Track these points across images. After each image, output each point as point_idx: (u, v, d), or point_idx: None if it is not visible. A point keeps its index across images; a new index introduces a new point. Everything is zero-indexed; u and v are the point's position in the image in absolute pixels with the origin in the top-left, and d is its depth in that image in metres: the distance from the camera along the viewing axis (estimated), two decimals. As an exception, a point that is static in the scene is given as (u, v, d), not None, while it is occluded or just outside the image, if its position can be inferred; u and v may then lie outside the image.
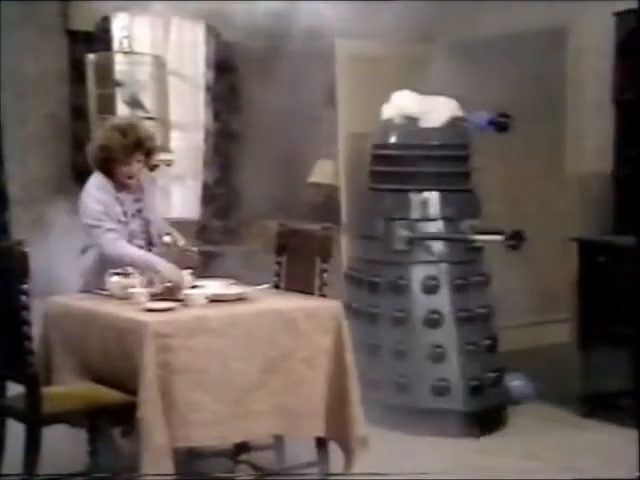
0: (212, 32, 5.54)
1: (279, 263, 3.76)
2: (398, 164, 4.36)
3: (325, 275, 3.53)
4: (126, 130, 3.50)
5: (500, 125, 4.30)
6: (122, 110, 4.86)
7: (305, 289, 3.55)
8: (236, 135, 5.66)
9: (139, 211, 3.63)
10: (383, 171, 4.43)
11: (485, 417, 4.22)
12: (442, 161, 4.32)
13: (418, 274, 4.27)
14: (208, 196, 5.62)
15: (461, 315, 4.25)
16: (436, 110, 4.37)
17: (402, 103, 4.43)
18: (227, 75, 5.62)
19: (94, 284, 3.48)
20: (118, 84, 4.89)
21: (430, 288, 4.27)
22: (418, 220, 4.29)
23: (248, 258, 4.52)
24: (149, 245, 3.63)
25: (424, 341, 4.22)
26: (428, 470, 3.45)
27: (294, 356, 3.22)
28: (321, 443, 3.36)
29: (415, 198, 4.31)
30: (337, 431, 3.27)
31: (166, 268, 3.39)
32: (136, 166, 3.53)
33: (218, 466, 3.44)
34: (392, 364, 4.23)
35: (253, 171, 5.63)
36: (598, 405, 4.42)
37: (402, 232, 4.29)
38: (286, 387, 3.19)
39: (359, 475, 3.23)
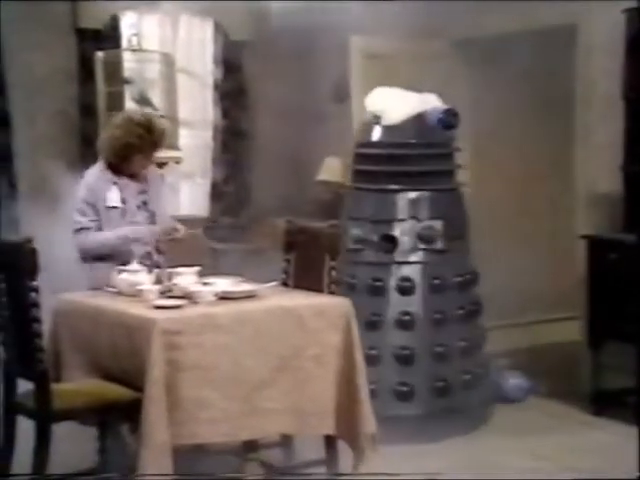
0: (220, 30, 5.54)
1: (287, 261, 3.76)
2: (369, 163, 4.31)
3: (334, 273, 3.53)
4: (151, 126, 3.59)
5: (445, 123, 4.21)
6: (131, 108, 4.87)
7: (314, 287, 3.54)
8: (245, 133, 5.66)
9: (144, 203, 3.67)
10: (357, 170, 4.42)
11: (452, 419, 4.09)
12: (405, 160, 4.23)
13: (391, 275, 4.17)
14: (217, 194, 5.62)
15: (435, 317, 4.16)
16: (395, 107, 4.28)
17: (368, 101, 4.38)
18: (235, 73, 5.62)
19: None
20: (127, 82, 4.90)
21: (404, 289, 4.17)
22: (372, 220, 4.21)
23: (257, 255, 4.51)
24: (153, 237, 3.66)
25: (393, 344, 4.12)
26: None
27: (303, 354, 3.21)
28: (330, 441, 3.35)
29: (373, 197, 4.26)
30: (346, 429, 3.26)
31: (141, 230, 3.50)
32: (152, 158, 3.65)
33: (226, 464, 3.44)
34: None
35: (262, 169, 5.64)
36: (608, 403, 4.40)
37: (354, 231, 4.23)
38: (295, 385, 3.18)
39: (368, 475, 3.22)
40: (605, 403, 4.41)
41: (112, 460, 3.39)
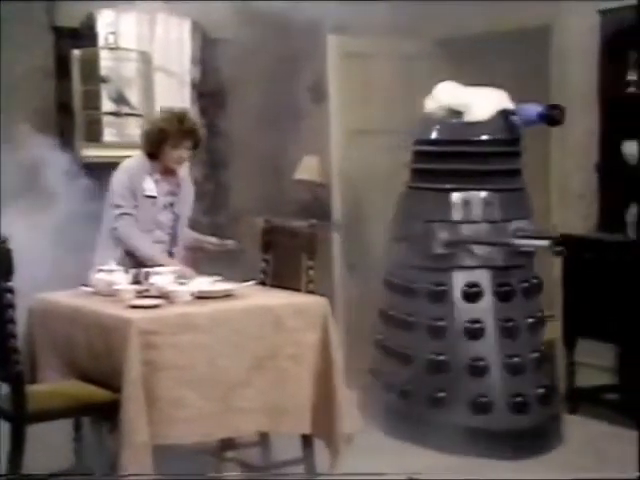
0: (198, 28, 5.52)
1: (265, 260, 3.76)
2: (440, 161, 4.08)
3: (311, 272, 3.54)
4: (183, 117, 3.71)
5: (551, 118, 4.03)
6: (108, 106, 4.85)
7: (292, 286, 3.55)
8: (223, 132, 5.65)
9: (171, 204, 3.74)
10: (423, 169, 4.16)
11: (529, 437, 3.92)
12: (489, 158, 4.03)
13: (458, 280, 4.00)
14: (196, 193, 5.60)
15: (505, 325, 3.98)
16: (481, 102, 4.07)
17: (444, 95, 4.16)
18: (213, 72, 5.60)
19: (102, 258, 3.55)
20: (104, 80, 4.88)
21: (471, 296, 3.99)
22: (459, 222, 3.99)
23: (236, 255, 4.51)
24: (173, 240, 3.74)
25: (463, 353, 3.95)
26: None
27: (280, 353, 3.22)
28: (307, 440, 3.36)
29: (457, 198, 4.01)
30: (323, 428, 3.27)
31: (166, 264, 3.51)
32: (184, 153, 3.70)
33: (204, 464, 3.44)
34: (426, 376, 3.99)
35: (240, 168, 5.63)
36: (584, 401, 4.45)
37: (441, 234, 4.00)
38: (272, 384, 3.19)
39: (347, 475, 3.23)
40: (581, 401, 4.45)
41: (90, 461, 3.37)
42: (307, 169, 5.42)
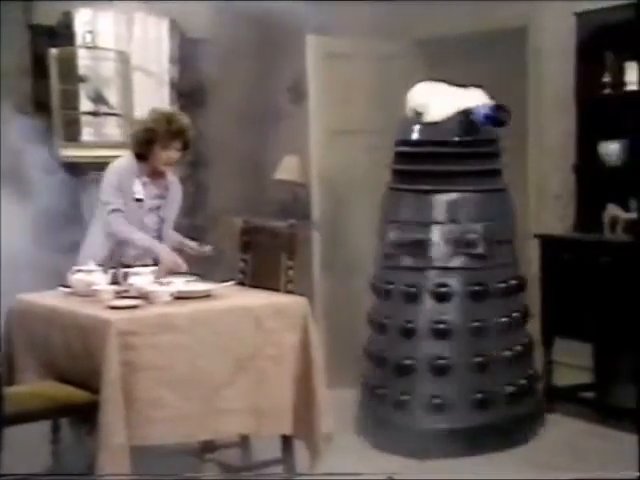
0: (176, 28, 5.50)
1: (244, 260, 3.76)
2: (415, 162, 4.08)
3: (291, 272, 3.54)
4: (171, 117, 3.69)
5: (496, 119, 4.01)
6: (86, 106, 4.82)
7: (271, 286, 3.54)
8: (202, 132, 5.62)
9: (157, 207, 3.72)
10: (397, 170, 4.19)
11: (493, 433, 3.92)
12: (461, 159, 4.01)
13: (429, 281, 3.98)
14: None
15: (474, 326, 3.95)
16: (438, 103, 4.05)
17: (410, 96, 4.15)
18: (192, 71, 5.58)
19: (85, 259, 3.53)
20: (82, 79, 4.85)
21: (441, 296, 3.97)
22: (411, 222, 4.01)
23: (215, 255, 4.50)
24: (159, 242, 3.70)
25: (427, 354, 3.94)
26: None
27: (260, 354, 3.21)
28: (287, 440, 3.36)
29: (412, 198, 4.05)
30: (303, 429, 3.27)
31: (165, 253, 3.54)
32: (173, 154, 3.68)
33: (184, 465, 3.43)
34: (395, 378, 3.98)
35: (220, 168, 5.61)
36: (561, 399, 4.48)
37: (392, 235, 4.04)
38: (253, 385, 3.18)
39: (326, 475, 3.23)
40: (558, 399, 4.48)
41: (68, 462, 3.35)
42: (287, 169, 5.42)
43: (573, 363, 4.56)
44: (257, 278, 3.68)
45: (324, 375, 3.31)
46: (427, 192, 4.05)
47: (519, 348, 4.11)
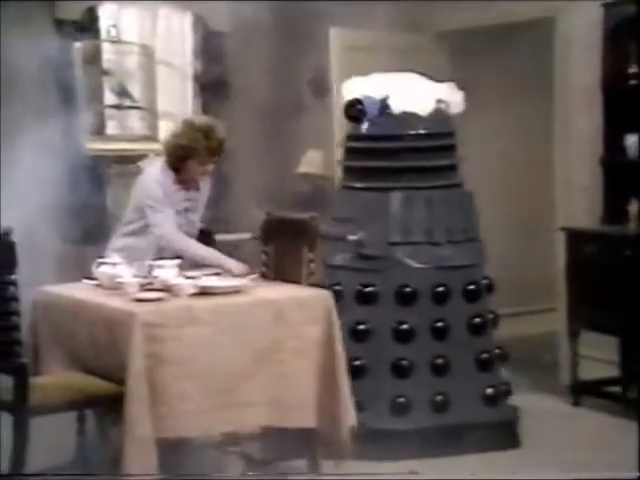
0: (200, 21, 5.51)
1: (265, 253, 3.75)
2: (358, 158, 4.04)
3: (312, 265, 3.52)
4: (209, 133, 3.55)
5: (348, 115, 3.99)
6: (110, 99, 4.84)
7: (293, 279, 3.53)
8: (225, 124, 5.63)
9: (186, 210, 3.66)
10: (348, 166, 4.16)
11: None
12: (397, 154, 3.93)
13: (391, 282, 3.85)
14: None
15: (434, 326, 3.85)
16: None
17: (349, 87, 4.09)
18: (215, 64, 5.59)
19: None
20: (106, 73, 4.87)
21: (404, 297, 3.84)
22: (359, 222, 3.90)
23: (237, 248, 4.51)
24: None
25: (388, 356, 3.82)
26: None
27: (283, 347, 3.21)
28: (310, 434, 3.35)
29: (362, 196, 3.96)
30: (327, 422, 3.26)
31: (234, 266, 3.46)
32: (210, 167, 3.60)
33: (207, 457, 3.44)
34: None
35: (242, 161, 5.61)
36: (587, 394, 4.45)
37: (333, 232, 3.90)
38: (275, 378, 3.18)
39: (346, 475, 3.23)
40: (584, 394, 4.45)
41: (94, 454, 3.37)
42: (310, 162, 5.41)
43: (599, 357, 4.52)
44: (279, 271, 3.67)
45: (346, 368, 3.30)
46: (380, 190, 3.93)
47: (490, 351, 3.96)
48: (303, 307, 3.28)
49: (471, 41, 5.09)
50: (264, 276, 3.65)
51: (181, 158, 3.57)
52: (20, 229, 3.07)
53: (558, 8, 4.76)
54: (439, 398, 3.86)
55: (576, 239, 4.46)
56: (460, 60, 5.08)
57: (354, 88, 4.07)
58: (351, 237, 3.93)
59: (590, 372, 4.49)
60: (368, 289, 3.90)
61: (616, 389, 4.48)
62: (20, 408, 3.01)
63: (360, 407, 3.45)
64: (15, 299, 3.02)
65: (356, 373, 3.70)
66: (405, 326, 3.86)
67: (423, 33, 5.22)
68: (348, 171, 4.18)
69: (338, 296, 3.83)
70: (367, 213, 3.95)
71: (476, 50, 5.07)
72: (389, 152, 3.97)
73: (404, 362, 3.84)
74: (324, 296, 3.35)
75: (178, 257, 3.43)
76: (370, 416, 3.70)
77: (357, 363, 3.80)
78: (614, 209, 4.47)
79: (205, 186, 3.75)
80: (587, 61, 4.62)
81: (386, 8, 5.15)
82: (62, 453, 3.41)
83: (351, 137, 4.14)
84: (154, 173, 3.64)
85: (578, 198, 4.78)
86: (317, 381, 3.26)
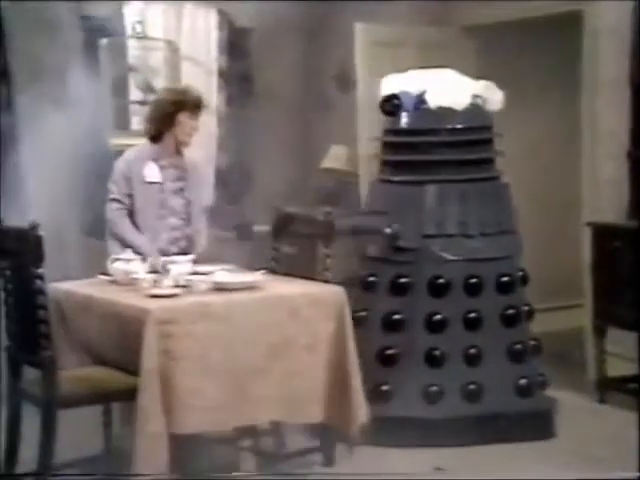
0: (225, 17, 5.52)
1: (276, 249, 3.75)
2: (396, 153, 4.08)
3: (328, 260, 3.52)
4: (187, 90, 3.82)
5: (384, 109, 4.03)
6: (135, 95, 4.87)
7: (308, 274, 3.53)
8: (250, 120, 5.64)
9: (181, 189, 3.74)
10: (385, 160, 4.17)
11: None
12: (435, 147, 3.98)
13: (425, 274, 3.90)
14: (221, 181, 5.62)
15: (467, 317, 3.88)
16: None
17: (385, 85, 4.15)
18: (240, 60, 5.60)
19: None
20: (131, 69, 4.89)
21: (438, 288, 3.88)
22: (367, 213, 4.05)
23: (261, 243, 4.52)
24: (187, 225, 3.76)
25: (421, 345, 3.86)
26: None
27: (296, 343, 3.21)
28: (325, 429, 3.37)
29: (399, 190, 3.98)
30: (338, 417, 3.27)
31: (149, 253, 3.52)
32: (197, 124, 3.74)
33: (220, 452, 3.44)
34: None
35: (267, 156, 5.62)
36: (613, 391, 4.40)
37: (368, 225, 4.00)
38: (287, 373, 3.19)
39: (361, 475, 3.22)
40: (610, 390, 4.40)
41: (121, 446, 3.40)
42: (334, 158, 5.41)
43: (627, 354, 4.47)
44: (294, 266, 3.65)
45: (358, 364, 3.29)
46: (416, 183, 3.97)
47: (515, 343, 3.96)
48: (316, 303, 3.28)
49: (497, 36, 5.05)
50: (273, 272, 3.63)
51: (170, 116, 3.69)
52: (45, 223, 3.11)
53: (586, 1, 4.70)
54: (471, 387, 3.88)
55: (602, 234, 4.41)
56: (486, 55, 5.04)
57: (392, 83, 4.12)
58: (387, 230, 3.95)
59: (618, 369, 4.44)
60: (402, 280, 3.94)
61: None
62: (48, 401, 3.04)
63: (393, 395, 3.55)
64: (42, 292, 3.05)
65: (389, 362, 3.82)
66: (438, 317, 3.89)
67: (449, 28, 5.19)
68: (384, 164, 4.21)
69: (373, 287, 3.96)
70: (402, 206, 3.98)
71: (503, 45, 5.02)
72: (425, 146, 4.02)
73: (437, 352, 3.87)
74: (337, 292, 3.34)
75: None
76: (402, 404, 3.77)
77: (390, 352, 3.86)
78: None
79: (195, 170, 3.82)
80: (615, 55, 4.56)
81: (411, 3, 5.12)
82: (89, 446, 3.44)
83: (388, 131, 4.18)
84: (126, 153, 3.77)
85: (605, 192, 4.73)
86: (328, 377, 3.26)
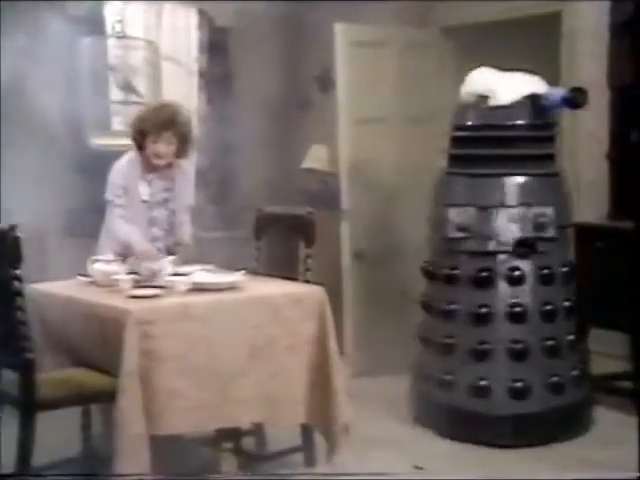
0: (205, 17, 5.51)
1: (258, 249, 3.74)
2: (473, 146, 4.10)
3: (309, 260, 3.51)
4: (158, 109, 3.65)
5: (573, 101, 4.03)
6: (115, 94, 4.84)
7: (289, 275, 3.52)
8: (230, 120, 5.63)
9: (165, 200, 3.68)
10: (455, 154, 4.19)
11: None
12: (520, 142, 4.04)
13: (501, 265, 3.97)
14: (202, 182, 5.59)
15: (545, 309, 3.99)
16: (506, 87, 4.08)
17: (473, 81, 4.19)
18: (221, 60, 5.59)
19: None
20: (111, 68, 4.86)
21: (514, 280, 3.96)
22: (468, 205, 4.00)
23: (243, 244, 4.51)
24: (169, 235, 3.70)
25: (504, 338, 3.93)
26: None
27: (277, 344, 3.20)
28: (306, 430, 3.35)
29: (485, 183, 4.02)
30: (320, 418, 3.26)
31: (141, 249, 3.47)
32: (162, 147, 3.58)
33: (201, 454, 3.42)
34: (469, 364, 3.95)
35: (248, 156, 5.61)
36: (595, 389, 4.42)
37: (454, 219, 4.00)
38: (269, 374, 3.18)
39: (346, 475, 3.22)
40: (593, 389, 4.41)
41: (99, 448, 3.37)
42: (315, 158, 5.40)
43: (609, 352, 4.49)
44: (275, 267, 3.65)
45: (341, 364, 3.30)
46: (493, 176, 4.03)
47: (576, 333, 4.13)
48: (297, 303, 3.26)
49: (478, 37, 5.06)
50: (255, 272, 3.62)
51: (137, 135, 3.62)
52: (25, 224, 3.07)
53: (564, 3, 4.73)
54: (553, 379, 3.99)
55: (584, 234, 4.43)
56: (466, 56, 5.05)
57: (482, 81, 4.19)
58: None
59: (599, 368, 4.45)
60: (484, 274, 4.01)
61: (626, 384, 4.45)
62: (27, 403, 3.01)
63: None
64: (20, 294, 3.02)
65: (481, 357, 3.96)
66: (518, 309, 3.99)
67: (429, 29, 5.20)
68: (453, 159, 4.24)
69: (456, 280, 4.03)
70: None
71: (483, 46, 5.04)
72: (495, 140, 4.07)
73: (519, 345, 3.95)
74: (318, 292, 3.33)
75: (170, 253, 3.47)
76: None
77: (483, 347, 3.95)
78: (621, 204, 4.44)
79: (181, 177, 3.75)
80: (594, 56, 4.59)
81: (391, 3, 5.12)
82: (67, 448, 3.41)
83: (457, 127, 4.22)
84: (115, 165, 3.70)
85: (585, 193, 4.75)
86: (310, 378, 3.25)
